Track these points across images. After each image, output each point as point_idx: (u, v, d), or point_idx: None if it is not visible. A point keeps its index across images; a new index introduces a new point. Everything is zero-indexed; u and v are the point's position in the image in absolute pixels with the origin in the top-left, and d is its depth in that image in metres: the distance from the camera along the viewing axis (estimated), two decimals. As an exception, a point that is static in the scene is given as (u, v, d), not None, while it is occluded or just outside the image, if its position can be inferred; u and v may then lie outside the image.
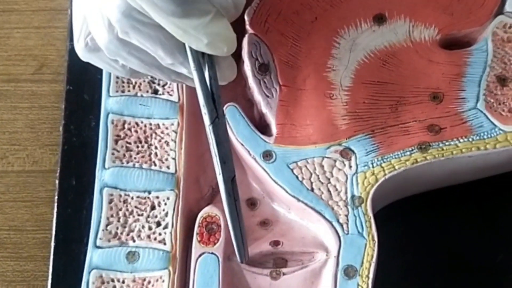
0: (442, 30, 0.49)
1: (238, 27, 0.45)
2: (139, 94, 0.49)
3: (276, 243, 0.46)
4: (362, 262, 0.44)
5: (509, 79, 0.47)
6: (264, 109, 0.47)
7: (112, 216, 0.46)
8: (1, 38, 0.59)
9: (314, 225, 0.46)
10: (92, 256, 0.45)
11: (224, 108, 0.47)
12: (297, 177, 0.46)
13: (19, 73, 0.58)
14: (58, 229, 0.51)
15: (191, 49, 0.42)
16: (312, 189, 0.45)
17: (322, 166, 0.46)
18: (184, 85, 0.48)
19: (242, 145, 0.46)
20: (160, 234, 0.46)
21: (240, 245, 0.44)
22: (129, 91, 0.49)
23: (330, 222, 0.45)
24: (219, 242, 0.45)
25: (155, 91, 0.49)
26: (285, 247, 0.45)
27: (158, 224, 0.46)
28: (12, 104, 0.57)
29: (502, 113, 0.47)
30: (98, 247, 0.45)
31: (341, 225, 0.45)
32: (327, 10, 0.49)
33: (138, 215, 0.46)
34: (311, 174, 0.46)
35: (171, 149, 0.47)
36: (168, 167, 0.47)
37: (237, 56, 0.46)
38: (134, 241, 0.46)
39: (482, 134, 0.46)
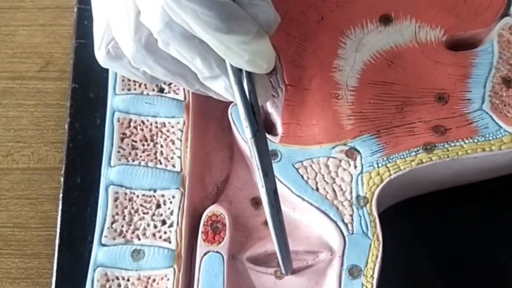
0: (448, 31, 0.49)
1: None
2: (145, 92, 0.49)
3: (281, 243, 0.46)
4: (367, 262, 0.44)
5: (514, 80, 0.47)
6: (270, 109, 0.47)
7: (117, 214, 0.46)
8: (7, 36, 0.59)
9: (318, 225, 0.46)
10: (97, 253, 0.45)
11: (230, 108, 0.47)
12: (302, 177, 0.46)
13: (24, 71, 0.58)
14: (63, 227, 0.51)
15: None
16: (317, 189, 0.45)
17: (327, 166, 0.46)
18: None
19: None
20: (165, 232, 0.46)
21: (285, 256, 0.44)
22: (135, 89, 0.49)
23: (335, 222, 0.45)
24: (224, 241, 0.45)
25: (161, 90, 0.49)
26: (289, 247, 0.45)
27: (163, 222, 0.46)
28: (18, 101, 0.57)
29: (507, 115, 0.47)
30: (103, 245, 0.45)
31: (346, 225, 0.45)
32: (333, 11, 0.49)
33: (144, 213, 0.46)
34: (316, 173, 0.46)
35: (176, 148, 0.47)
36: (173, 166, 0.47)
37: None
38: (139, 239, 0.46)
39: (487, 135, 0.46)
